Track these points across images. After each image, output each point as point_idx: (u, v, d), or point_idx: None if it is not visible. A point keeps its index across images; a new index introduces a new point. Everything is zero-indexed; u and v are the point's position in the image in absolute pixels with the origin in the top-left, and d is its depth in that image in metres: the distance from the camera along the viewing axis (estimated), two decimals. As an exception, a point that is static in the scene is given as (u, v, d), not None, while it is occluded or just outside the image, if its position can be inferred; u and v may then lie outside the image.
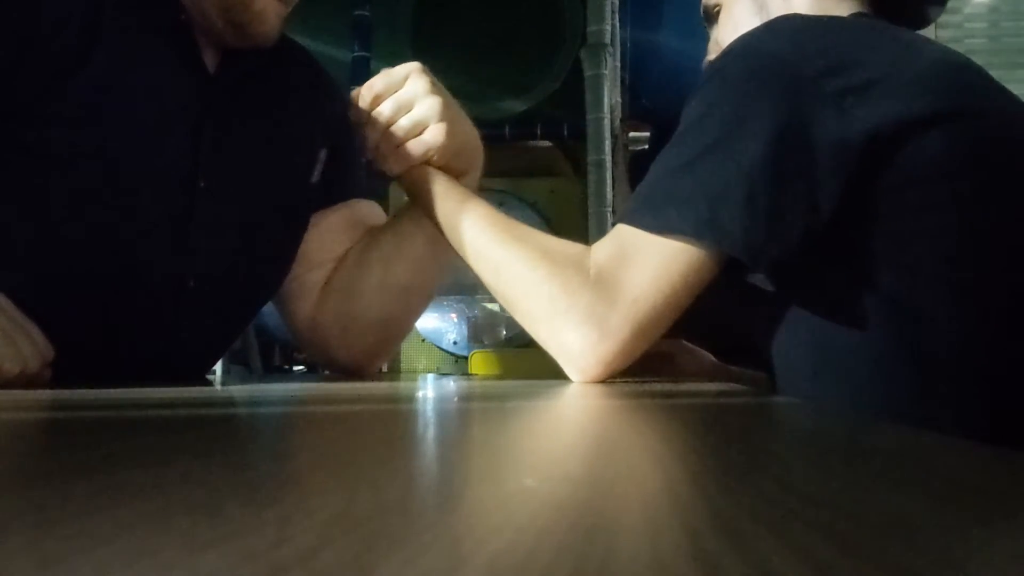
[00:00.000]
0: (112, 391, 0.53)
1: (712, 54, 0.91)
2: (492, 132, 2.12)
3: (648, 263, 0.63)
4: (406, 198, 0.84)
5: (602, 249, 0.65)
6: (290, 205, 0.84)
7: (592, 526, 0.14)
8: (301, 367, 3.17)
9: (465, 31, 2.15)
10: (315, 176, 0.86)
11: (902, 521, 0.15)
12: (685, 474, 0.20)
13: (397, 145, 0.76)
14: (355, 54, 2.09)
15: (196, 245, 0.76)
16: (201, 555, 0.11)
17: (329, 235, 0.87)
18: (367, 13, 2.11)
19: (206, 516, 0.14)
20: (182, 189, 0.75)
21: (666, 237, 0.62)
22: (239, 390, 0.70)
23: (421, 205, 0.79)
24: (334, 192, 0.88)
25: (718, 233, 0.61)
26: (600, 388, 0.58)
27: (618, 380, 0.66)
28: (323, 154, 0.87)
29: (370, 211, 0.92)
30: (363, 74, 2.13)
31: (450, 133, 0.76)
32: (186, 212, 0.75)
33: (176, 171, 0.74)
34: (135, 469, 0.20)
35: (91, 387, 0.56)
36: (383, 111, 0.76)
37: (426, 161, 0.77)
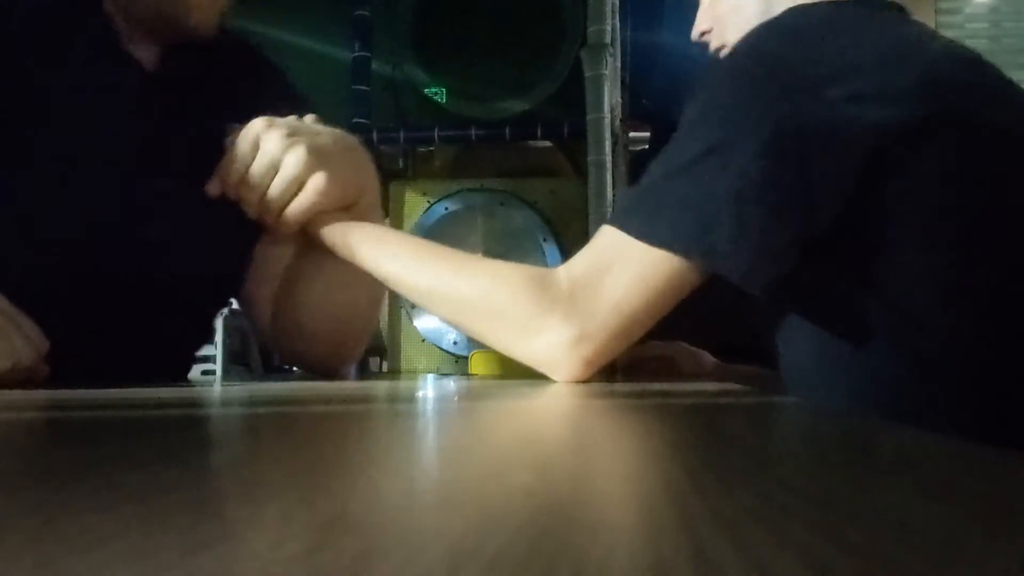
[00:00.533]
0: (110, 391, 0.53)
1: (702, 25, 0.89)
2: (492, 132, 2.12)
3: (631, 268, 0.62)
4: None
5: (585, 256, 0.65)
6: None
7: (592, 526, 0.14)
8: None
9: (465, 31, 2.15)
10: None
11: (902, 521, 0.15)
12: (685, 474, 0.19)
13: (281, 209, 0.72)
14: (355, 54, 2.09)
15: (152, 243, 0.75)
16: (200, 555, 0.11)
17: (274, 246, 0.85)
18: (367, 13, 2.11)
19: (205, 516, 0.14)
20: (134, 188, 0.74)
21: (654, 247, 0.62)
22: (238, 390, 0.70)
23: (343, 256, 0.75)
24: None
25: (707, 251, 0.60)
26: (599, 388, 0.58)
27: (619, 380, 0.65)
28: None
29: None
30: (363, 74, 2.13)
31: (329, 178, 0.72)
32: (140, 211, 0.75)
33: (125, 171, 0.74)
34: (134, 469, 0.20)
35: (89, 387, 0.56)
36: (252, 180, 0.71)
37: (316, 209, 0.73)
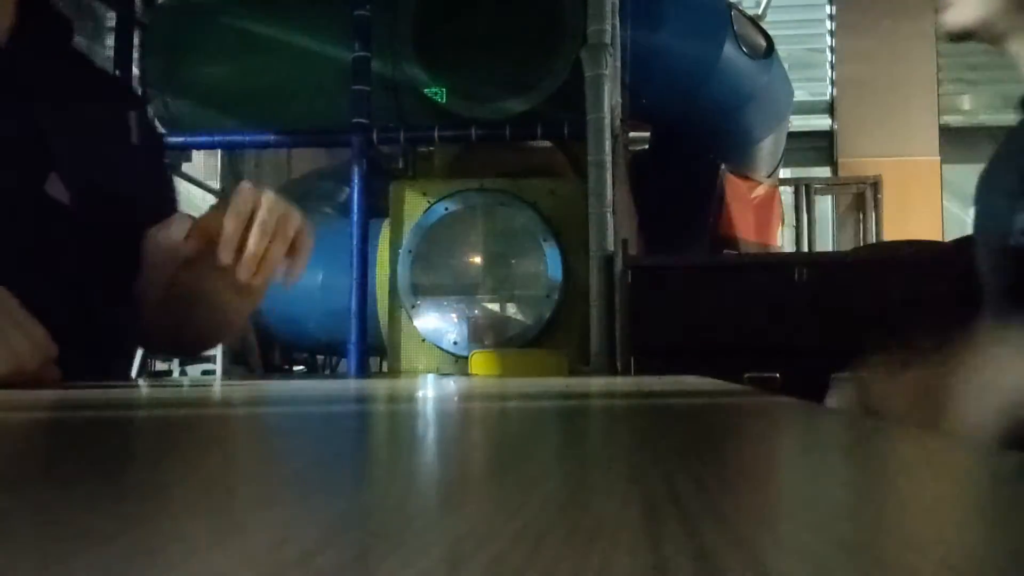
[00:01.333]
0: (109, 391, 0.54)
1: None
2: (492, 132, 2.12)
3: None
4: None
5: None
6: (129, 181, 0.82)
7: (592, 527, 0.14)
8: (301, 367, 3.17)
9: (465, 31, 2.15)
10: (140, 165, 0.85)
11: (902, 521, 0.15)
12: (685, 474, 0.20)
13: (269, 264, 0.72)
14: (355, 54, 2.09)
15: (57, 218, 0.75)
16: (201, 555, 0.11)
17: (159, 251, 0.85)
18: (367, 13, 2.11)
19: (206, 516, 0.14)
20: (31, 165, 0.75)
21: None
22: (237, 390, 0.70)
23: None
24: (162, 206, 0.85)
25: None
26: (600, 388, 0.58)
27: (628, 378, 0.65)
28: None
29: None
30: (363, 74, 2.13)
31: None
32: (40, 187, 0.75)
33: (18, 148, 0.74)
34: (135, 469, 0.20)
35: (90, 387, 0.56)
36: (257, 235, 0.71)
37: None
